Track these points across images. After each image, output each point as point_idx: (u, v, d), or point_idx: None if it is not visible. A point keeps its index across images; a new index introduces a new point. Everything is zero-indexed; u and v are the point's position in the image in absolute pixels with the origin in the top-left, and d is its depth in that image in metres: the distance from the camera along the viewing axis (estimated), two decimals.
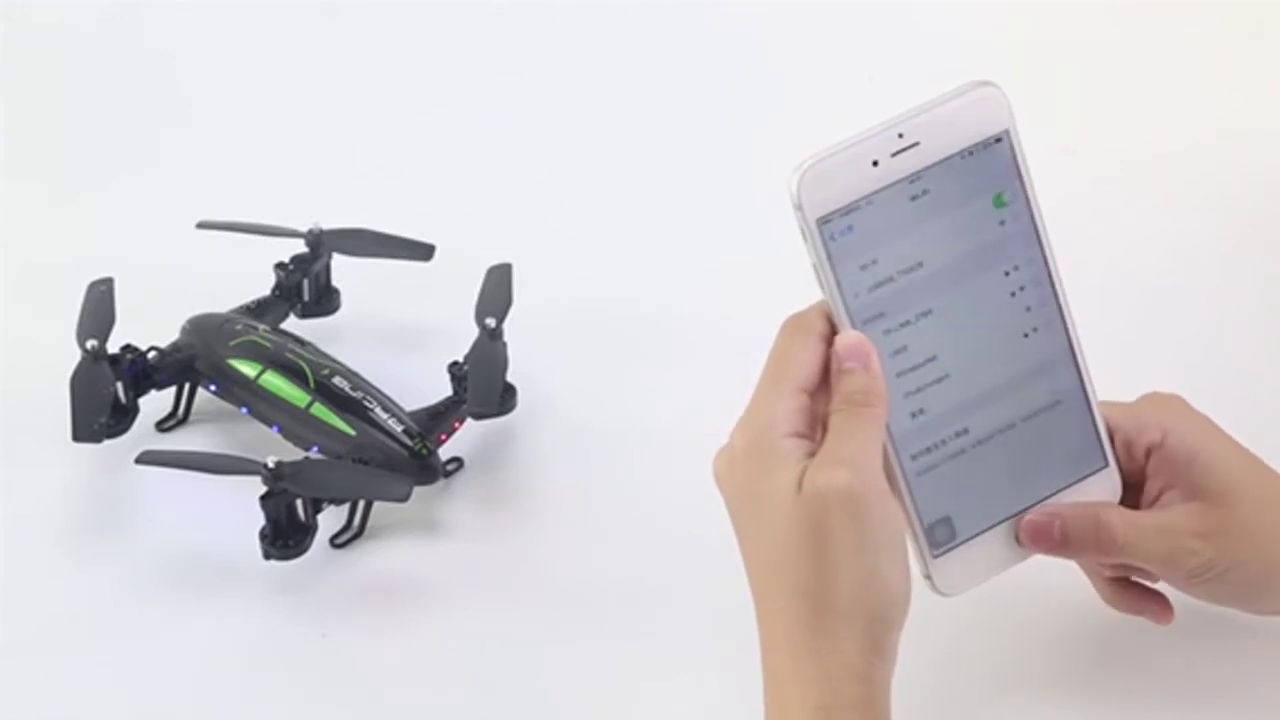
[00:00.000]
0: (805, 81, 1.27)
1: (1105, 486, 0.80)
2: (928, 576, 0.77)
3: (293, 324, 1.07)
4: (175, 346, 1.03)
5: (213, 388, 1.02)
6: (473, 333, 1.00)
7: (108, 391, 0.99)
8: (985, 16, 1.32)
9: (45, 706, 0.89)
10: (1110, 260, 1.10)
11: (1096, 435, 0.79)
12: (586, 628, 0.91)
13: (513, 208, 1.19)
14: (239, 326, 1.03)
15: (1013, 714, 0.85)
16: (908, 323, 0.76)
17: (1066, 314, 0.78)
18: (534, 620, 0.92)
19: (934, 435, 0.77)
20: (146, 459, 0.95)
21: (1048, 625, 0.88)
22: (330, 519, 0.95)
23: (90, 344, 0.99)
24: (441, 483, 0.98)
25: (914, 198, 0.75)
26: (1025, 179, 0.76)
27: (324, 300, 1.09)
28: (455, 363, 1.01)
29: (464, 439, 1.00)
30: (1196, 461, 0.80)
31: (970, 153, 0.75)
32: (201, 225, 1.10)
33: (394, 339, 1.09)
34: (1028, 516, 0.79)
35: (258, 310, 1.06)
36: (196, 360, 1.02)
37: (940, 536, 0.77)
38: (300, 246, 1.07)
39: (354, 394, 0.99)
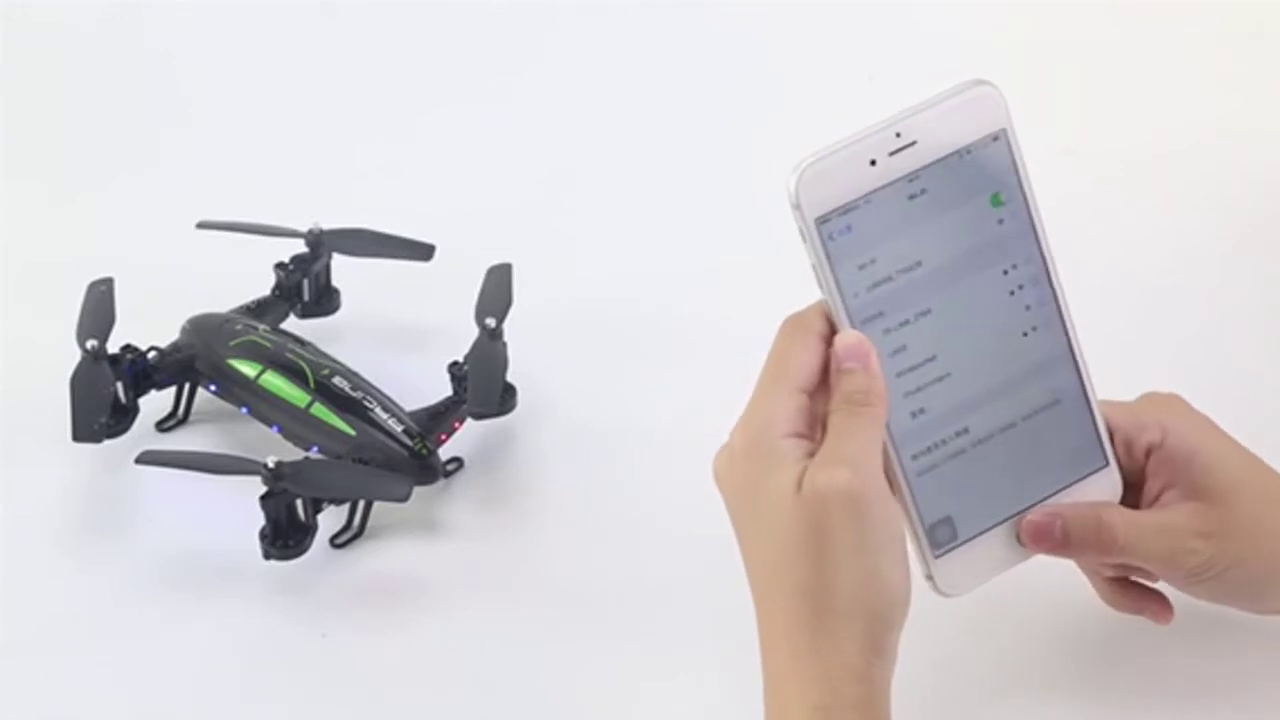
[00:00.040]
0: (805, 81, 1.27)
1: (1105, 486, 0.80)
2: (929, 577, 0.77)
3: (293, 324, 1.07)
4: (175, 346, 1.03)
5: (213, 388, 1.02)
6: (473, 333, 1.00)
7: (108, 391, 0.99)
8: (985, 16, 1.32)
9: (45, 706, 0.89)
10: (1110, 260, 1.10)
11: (1096, 434, 0.79)
12: (586, 628, 0.91)
13: (513, 208, 1.19)
14: (239, 326, 1.03)
15: (1013, 714, 0.85)
16: (907, 322, 0.76)
17: (1065, 313, 0.78)
18: (534, 620, 0.92)
19: (934, 435, 0.77)
20: (146, 459, 0.95)
21: (1048, 625, 0.88)
22: (330, 519, 0.95)
23: (90, 344, 0.99)
24: (441, 483, 0.98)
25: (912, 197, 0.75)
26: (1023, 178, 0.76)
27: (324, 300, 1.09)
28: (455, 363, 1.01)
29: (464, 439, 1.00)
30: (1196, 461, 0.80)
31: (968, 151, 0.75)
32: (201, 225, 1.10)
33: (394, 339, 1.08)
34: (1029, 517, 0.79)
35: (258, 310, 1.06)
36: (196, 360, 1.02)
37: (941, 537, 0.77)
38: (300, 246, 1.07)
39: (354, 394, 0.99)
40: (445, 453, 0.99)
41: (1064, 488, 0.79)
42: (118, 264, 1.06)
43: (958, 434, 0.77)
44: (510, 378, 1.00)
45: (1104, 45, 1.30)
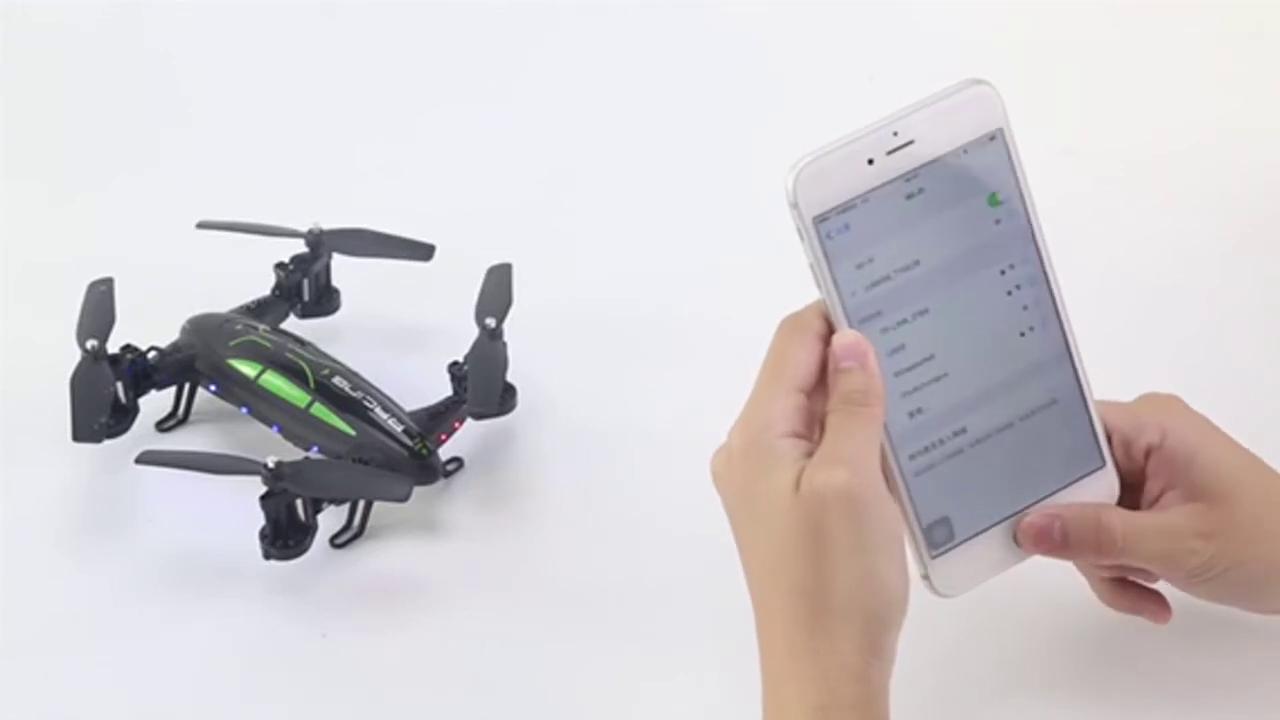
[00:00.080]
0: (805, 81, 1.27)
1: (1102, 487, 0.80)
2: (926, 577, 0.77)
3: (293, 324, 1.07)
4: (175, 346, 1.03)
5: (213, 388, 1.02)
6: (473, 333, 1.00)
7: (108, 391, 0.99)
8: (985, 16, 1.32)
9: (45, 706, 0.89)
10: (1110, 260, 1.11)
11: (1094, 435, 0.79)
12: (586, 628, 0.91)
13: (513, 208, 1.19)
14: (239, 326, 1.03)
15: (1013, 714, 0.85)
16: (904, 321, 0.76)
17: (1063, 313, 0.78)
18: (534, 620, 0.92)
19: (931, 435, 0.77)
20: (146, 459, 0.95)
21: (1048, 625, 0.88)
22: (330, 519, 0.95)
23: (90, 344, 0.99)
24: (441, 483, 0.98)
25: (909, 196, 0.75)
26: (1020, 177, 0.76)
27: (324, 300, 1.09)
28: (455, 363, 1.01)
29: (464, 439, 1.00)
30: (1196, 462, 0.80)
31: (965, 151, 0.75)
32: (201, 225, 1.10)
33: (394, 339, 1.09)
34: (1027, 518, 0.78)
35: (258, 310, 1.06)
36: (196, 360, 1.02)
37: (939, 537, 0.77)
38: (300, 246, 1.07)
39: (354, 394, 0.99)
40: (445, 453, 0.99)
41: (1061, 488, 0.79)
42: (118, 264, 1.06)
43: (955, 434, 0.77)
44: (510, 378, 1.00)
45: (1104, 45, 1.30)
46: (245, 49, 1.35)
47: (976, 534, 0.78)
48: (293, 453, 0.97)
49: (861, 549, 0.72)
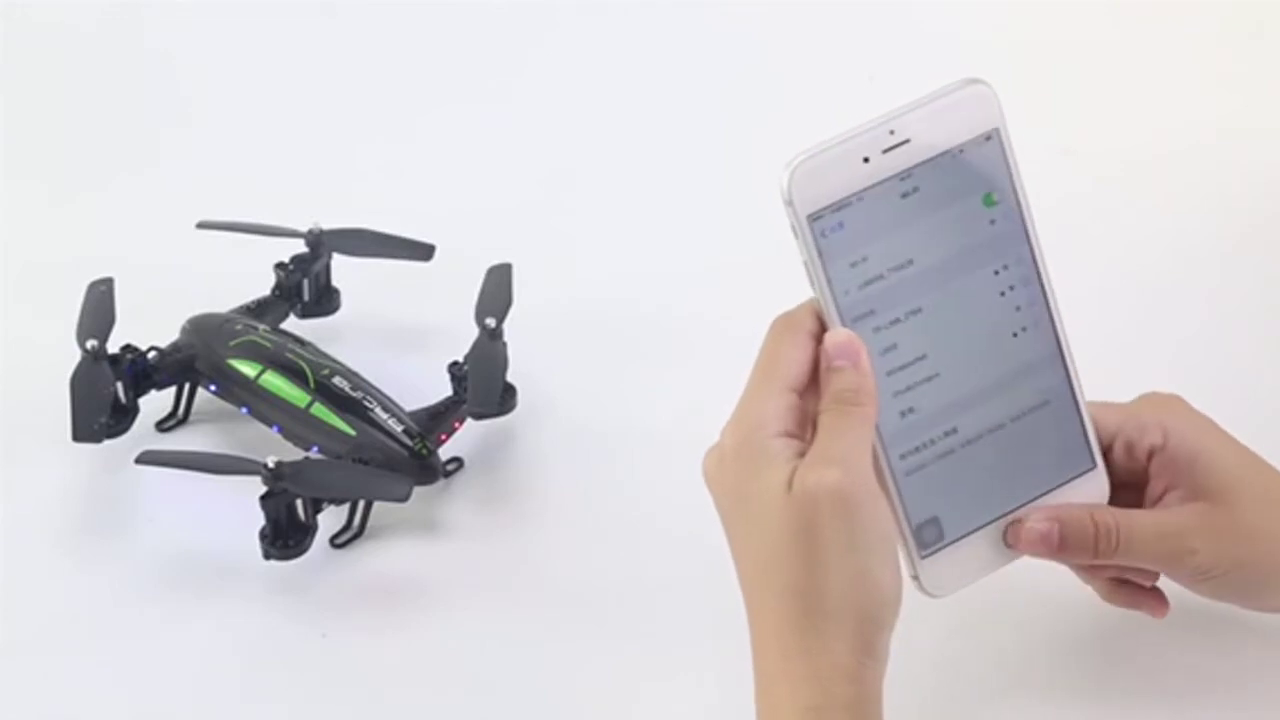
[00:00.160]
0: (805, 81, 1.27)
1: (1093, 488, 0.80)
2: (915, 577, 0.77)
3: (293, 324, 1.07)
4: (175, 346, 1.03)
5: (213, 388, 1.02)
6: (473, 333, 1.00)
7: (108, 391, 0.99)
8: (985, 16, 1.32)
9: (45, 706, 0.89)
10: (1110, 260, 1.11)
11: (1085, 437, 0.79)
12: (586, 628, 0.91)
13: (513, 208, 1.19)
14: (239, 326, 1.03)
15: (1013, 714, 0.85)
16: (897, 321, 0.76)
17: (1055, 314, 0.78)
18: (534, 620, 0.92)
19: (923, 434, 0.76)
20: (146, 459, 0.95)
21: (1046, 623, 0.88)
22: (330, 519, 0.95)
23: (90, 344, 0.99)
24: (441, 483, 0.98)
25: (904, 195, 0.75)
26: (1015, 178, 0.76)
27: (324, 300, 1.09)
28: (455, 363, 1.01)
29: (464, 439, 1.00)
30: (1198, 462, 0.80)
31: (961, 150, 0.75)
32: (201, 225, 1.10)
33: (394, 339, 1.08)
34: (1026, 524, 0.78)
35: (258, 310, 1.06)
36: (196, 360, 1.02)
37: (928, 537, 0.77)
38: (300, 246, 1.07)
39: (354, 394, 0.99)
40: (445, 453, 0.99)
41: (1051, 489, 0.79)
42: (118, 264, 1.06)
43: (946, 434, 0.77)
44: (510, 378, 1.00)
45: (1104, 45, 1.30)
46: (245, 49, 1.35)
47: (966, 534, 0.78)
48: (293, 453, 0.97)
49: (854, 549, 0.71)
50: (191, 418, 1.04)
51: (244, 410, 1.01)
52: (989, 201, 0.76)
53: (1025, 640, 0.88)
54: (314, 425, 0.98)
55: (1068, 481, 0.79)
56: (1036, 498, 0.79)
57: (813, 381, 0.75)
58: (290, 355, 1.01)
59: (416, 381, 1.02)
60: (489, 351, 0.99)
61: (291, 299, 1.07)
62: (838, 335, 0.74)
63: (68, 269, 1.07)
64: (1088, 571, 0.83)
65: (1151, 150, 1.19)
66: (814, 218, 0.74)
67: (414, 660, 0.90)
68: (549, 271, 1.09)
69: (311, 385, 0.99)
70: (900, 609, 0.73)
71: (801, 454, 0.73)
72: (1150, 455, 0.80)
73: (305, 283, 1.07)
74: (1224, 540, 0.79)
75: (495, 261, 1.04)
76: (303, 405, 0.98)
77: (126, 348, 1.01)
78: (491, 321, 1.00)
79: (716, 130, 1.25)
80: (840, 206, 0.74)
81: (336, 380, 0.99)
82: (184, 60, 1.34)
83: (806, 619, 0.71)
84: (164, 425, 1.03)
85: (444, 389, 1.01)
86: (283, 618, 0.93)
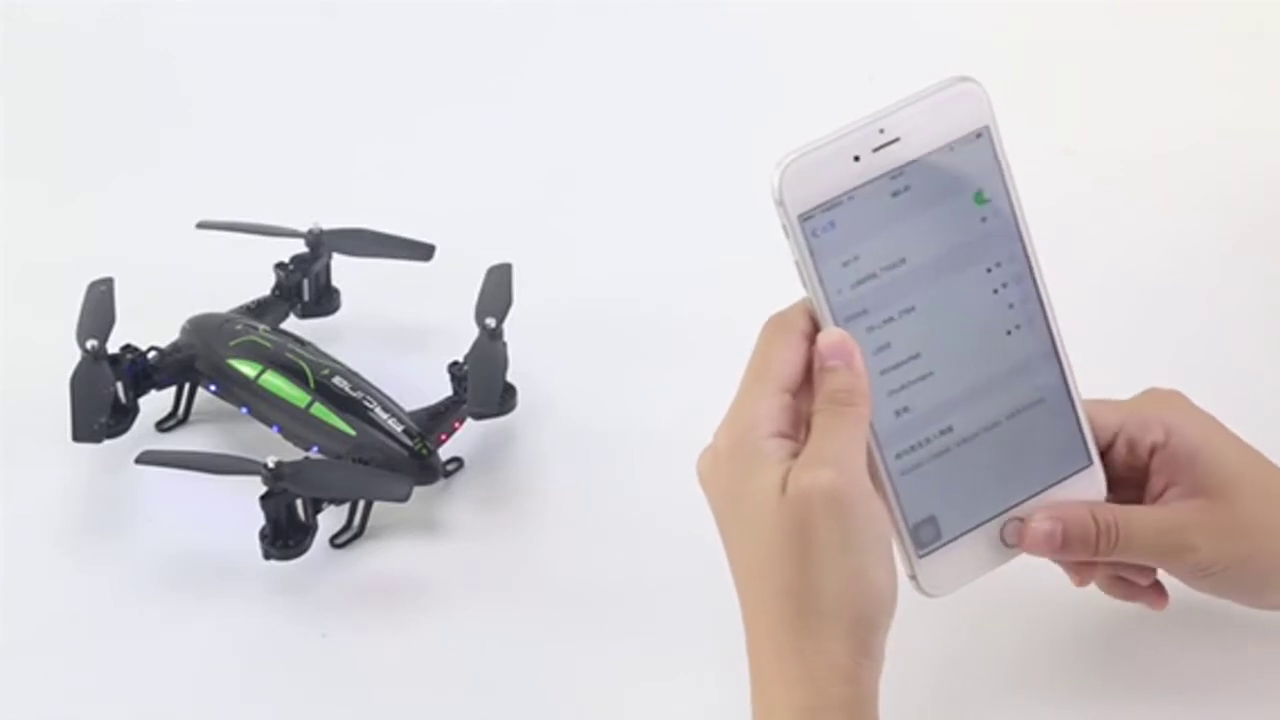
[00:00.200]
0: (805, 81, 1.27)
1: (1090, 486, 0.80)
2: (913, 577, 0.77)
3: (293, 324, 1.07)
4: (175, 346, 1.03)
5: (213, 388, 1.02)
6: (473, 333, 1.00)
7: (108, 391, 0.99)
8: (985, 16, 1.32)
9: (45, 706, 0.89)
10: (1110, 260, 1.11)
11: (1080, 434, 0.79)
12: (586, 628, 0.91)
13: (513, 208, 1.19)
14: (239, 326, 1.03)
15: (1012, 713, 0.85)
16: (890, 320, 0.75)
17: (1049, 311, 0.78)
18: (534, 620, 0.92)
19: (918, 434, 0.76)
20: (146, 459, 0.95)
21: (1047, 624, 0.88)
22: (330, 519, 0.95)
23: (90, 344, 0.99)
24: (441, 483, 0.98)
25: (895, 193, 0.75)
26: (1006, 175, 0.76)
27: (324, 300, 1.09)
28: (455, 363, 1.01)
29: (464, 439, 1.00)
30: (1198, 458, 0.80)
31: (951, 148, 0.75)
32: (201, 225, 1.10)
33: (394, 339, 1.09)
34: (1032, 523, 0.78)
35: (258, 310, 1.06)
36: (196, 360, 1.02)
37: (925, 536, 0.77)
38: (300, 246, 1.07)
39: (354, 394, 0.99)
40: (445, 453, 0.99)
41: (1048, 487, 0.79)
42: (118, 264, 1.06)
43: (941, 433, 0.77)
44: (510, 378, 1.00)
45: (1104, 45, 1.30)
46: (245, 49, 1.35)
47: (963, 533, 0.78)
48: (293, 453, 0.97)
49: (848, 549, 0.71)
50: (191, 418, 1.04)
51: (244, 410, 1.01)
52: (980, 199, 0.76)
53: (1025, 639, 0.88)
54: (314, 425, 0.98)
55: (1064, 479, 0.79)
56: (1033, 495, 0.79)
57: (806, 382, 0.75)
58: (290, 355, 1.01)
59: (416, 381, 1.02)
60: (489, 351, 0.99)
61: (291, 299, 1.08)
62: (830, 335, 0.74)
63: (68, 269, 1.07)
64: (1083, 569, 0.83)
65: (1151, 150, 1.19)
66: (805, 217, 0.74)
67: (414, 660, 0.90)
68: (549, 271, 1.09)
69: (311, 385, 0.99)
70: (896, 609, 0.73)
71: (795, 455, 0.73)
72: (1152, 452, 0.80)
73: (305, 283, 1.07)
74: (1224, 536, 0.79)
75: (495, 261, 1.04)
76: (303, 405, 0.98)
77: (126, 348, 1.01)
78: (491, 321, 1.00)
79: (716, 130, 1.25)
80: (831, 206, 0.74)
81: (336, 380, 0.99)
82: (184, 60, 1.34)
83: (801, 619, 0.71)
84: (164, 425, 1.03)
85: (444, 389, 1.01)
86: (283, 618, 0.93)
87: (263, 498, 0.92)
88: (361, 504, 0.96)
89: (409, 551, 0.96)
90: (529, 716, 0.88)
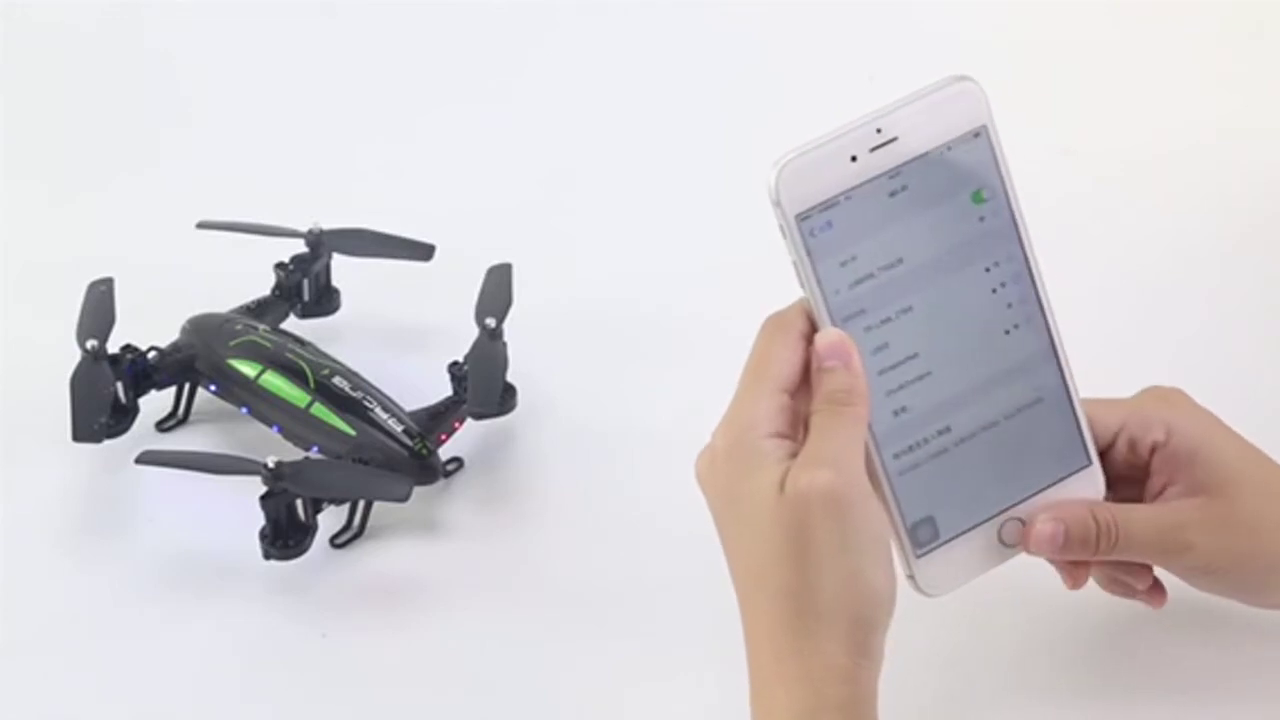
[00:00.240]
0: (805, 81, 1.27)
1: (1089, 485, 0.80)
2: (911, 577, 0.77)
3: (293, 324, 1.07)
4: (175, 346, 1.03)
5: (213, 388, 1.02)
6: (473, 333, 1.00)
7: (108, 391, 0.99)
8: (985, 16, 1.32)
9: (45, 706, 0.89)
10: (1110, 260, 1.11)
11: (1079, 433, 0.79)
12: (586, 628, 0.91)
13: (513, 208, 1.19)
14: (239, 326, 1.03)
15: (1012, 713, 0.85)
16: (888, 320, 0.75)
17: (1047, 311, 0.78)
18: (534, 620, 0.92)
19: (916, 434, 0.76)
20: (146, 459, 0.95)
21: (1047, 623, 0.88)
22: (330, 519, 0.95)
23: (90, 344, 0.99)
24: (441, 483, 0.98)
25: (893, 193, 0.75)
26: (1004, 175, 0.76)
27: (324, 300, 1.09)
28: (455, 363, 1.01)
29: (464, 439, 1.00)
30: (1198, 456, 0.80)
31: (949, 148, 0.75)
32: (201, 225, 1.10)
33: (394, 339, 1.09)
34: (1035, 525, 0.78)
35: (258, 310, 1.06)
36: (196, 360, 1.02)
37: (923, 536, 0.77)
38: (300, 246, 1.07)
39: (354, 394, 0.99)
40: (445, 453, 0.99)
41: (1047, 487, 0.79)
42: (118, 264, 1.06)
43: (939, 433, 0.77)
44: (510, 378, 1.00)
45: (1104, 45, 1.30)
46: (245, 49, 1.35)
47: (961, 533, 0.78)
48: (293, 453, 0.97)
49: (846, 549, 0.71)
50: (191, 418, 1.04)
51: (244, 410, 1.01)
52: (978, 198, 0.76)
53: (1025, 639, 0.88)
54: (314, 425, 0.98)
55: (1063, 479, 0.79)
56: (1032, 495, 0.79)
57: (804, 382, 0.75)
58: (290, 355, 1.01)
59: (416, 381, 1.02)
60: (489, 351, 0.99)
61: (291, 299, 1.08)
62: (828, 335, 0.74)
63: (68, 269, 1.07)
64: (1078, 570, 0.82)
65: (1151, 150, 1.19)
66: (802, 217, 0.74)
67: (414, 660, 0.90)
68: (549, 271, 1.09)
69: (311, 385, 0.99)
70: (894, 609, 0.73)
71: (793, 455, 0.73)
72: (1153, 451, 0.80)
73: (305, 283, 1.07)
74: (1223, 534, 0.79)
75: (495, 261, 1.04)
76: (303, 405, 0.98)
77: (126, 348, 1.01)
78: (491, 321, 1.00)
79: (716, 130, 1.25)
80: (828, 205, 0.74)
81: (336, 380, 0.99)
82: (184, 60, 1.34)
83: (799, 620, 0.71)
84: (164, 425, 1.03)
85: (444, 389, 1.01)
86: (283, 618, 0.93)
87: (263, 498, 0.92)
88: (361, 504, 0.96)
89: (409, 551, 0.96)
90: (529, 716, 0.88)
